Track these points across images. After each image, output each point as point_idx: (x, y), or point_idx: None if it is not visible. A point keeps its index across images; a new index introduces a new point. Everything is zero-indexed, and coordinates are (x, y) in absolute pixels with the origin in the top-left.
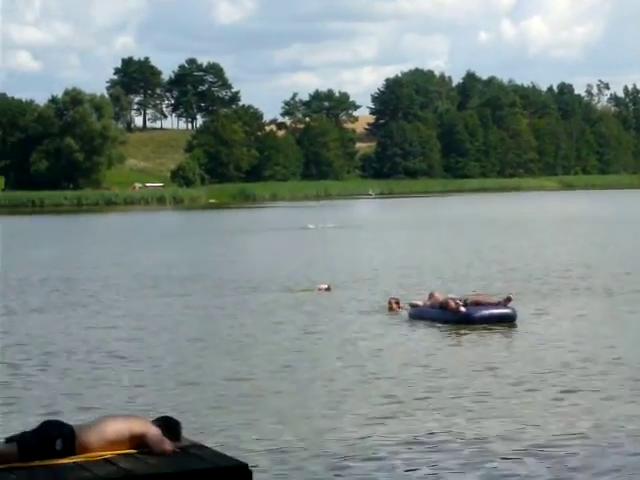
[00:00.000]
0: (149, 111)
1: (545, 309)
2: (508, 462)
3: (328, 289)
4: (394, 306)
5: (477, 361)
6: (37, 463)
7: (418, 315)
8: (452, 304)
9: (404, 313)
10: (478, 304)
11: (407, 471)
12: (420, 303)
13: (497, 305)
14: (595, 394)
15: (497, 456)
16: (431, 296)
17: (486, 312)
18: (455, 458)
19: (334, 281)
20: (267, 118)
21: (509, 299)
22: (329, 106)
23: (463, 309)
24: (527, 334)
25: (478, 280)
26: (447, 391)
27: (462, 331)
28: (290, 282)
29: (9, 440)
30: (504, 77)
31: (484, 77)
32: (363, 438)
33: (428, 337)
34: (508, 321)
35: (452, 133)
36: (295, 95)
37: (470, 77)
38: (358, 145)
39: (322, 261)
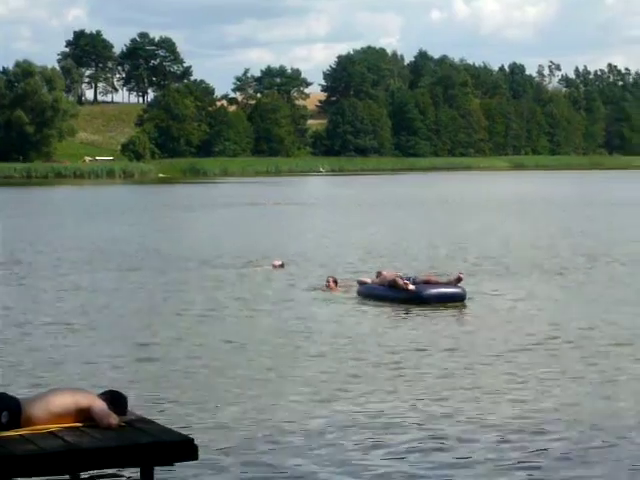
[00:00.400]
0: (100, 84)
1: (494, 289)
2: (456, 443)
3: (282, 266)
4: (332, 285)
5: (424, 340)
6: None
7: (366, 292)
8: (400, 282)
9: (342, 292)
10: (428, 283)
11: (351, 451)
12: (368, 280)
13: (447, 284)
14: (545, 374)
15: (443, 438)
16: (379, 274)
17: (436, 291)
18: (401, 440)
19: (286, 258)
20: (218, 94)
21: (459, 279)
22: (280, 82)
23: (412, 287)
24: (477, 313)
25: (428, 260)
26: (392, 370)
27: (410, 309)
28: (243, 258)
29: None
30: (456, 56)
31: (436, 56)
32: (308, 416)
33: (376, 315)
34: (458, 300)
35: (403, 112)
36: (247, 71)
37: (422, 56)
38: (309, 122)
39: (274, 238)
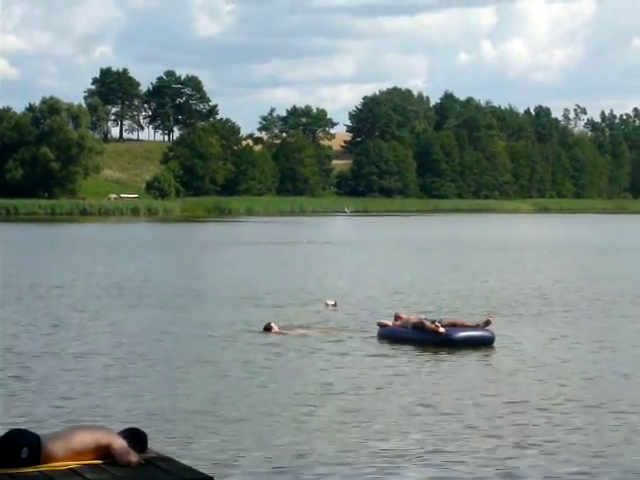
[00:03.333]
0: (126, 122)
1: (522, 333)
2: None
3: (335, 305)
4: (274, 329)
5: (462, 384)
6: (2, 471)
7: (388, 335)
8: (430, 324)
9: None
10: (454, 326)
11: None
12: (389, 323)
13: (475, 327)
14: (574, 419)
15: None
16: (397, 317)
17: (465, 334)
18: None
19: (327, 297)
20: (244, 132)
21: (488, 322)
22: (306, 122)
23: (442, 330)
24: (506, 357)
25: (454, 302)
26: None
27: (442, 353)
28: (291, 297)
29: None
30: (482, 98)
31: (462, 98)
32: (330, 453)
33: (406, 358)
34: (487, 344)
35: (428, 153)
36: (273, 110)
37: (448, 97)
38: (334, 162)
39: (312, 277)
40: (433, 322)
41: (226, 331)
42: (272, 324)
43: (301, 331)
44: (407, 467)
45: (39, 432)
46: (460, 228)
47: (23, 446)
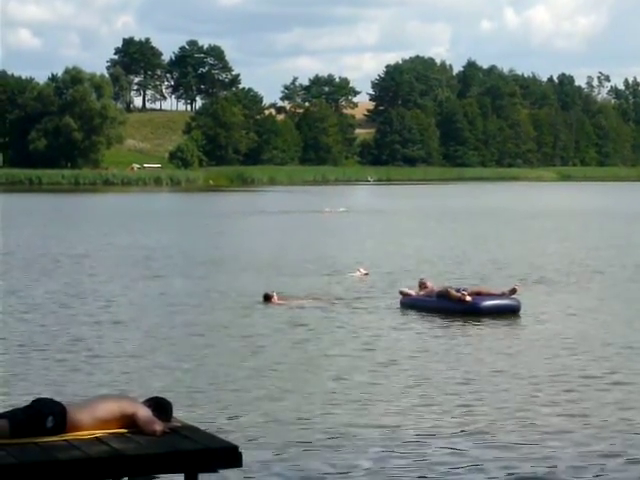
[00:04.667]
0: (149, 92)
1: (547, 302)
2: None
3: (367, 274)
4: (274, 298)
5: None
6: (27, 440)
7: (412, 304)
8: (455, 293)
9: (281, 306)
10: (479, 295)
11: (397, 458)
12: (412, 292)
13: (501, 296)
14: (600, 392)
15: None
16: (422, 285)
17: (492, 303)
18: (439, 452)
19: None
20: (267, 102)
21: (514, 290)
22: (329, 91)
23: (469, 298)
24: (532, 326)
25: (479, 270)
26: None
27: (470, 321)
28: (324, 266)
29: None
30: (505, 66)
31: (485, 66)
32: (350, 426)
33: (431, 328)
34: (513, 312)
35: (451, 122)
36: (295, 79)
37: (471, 66)
38: (357, 131)
39: (339, 246)
40: (458, 290)
41: (249, 300)
42: (272, 293)
43: (302, 301)
44: (436, 442)
45: (63, 401)
46: (484, 196)
47: (48, 415)
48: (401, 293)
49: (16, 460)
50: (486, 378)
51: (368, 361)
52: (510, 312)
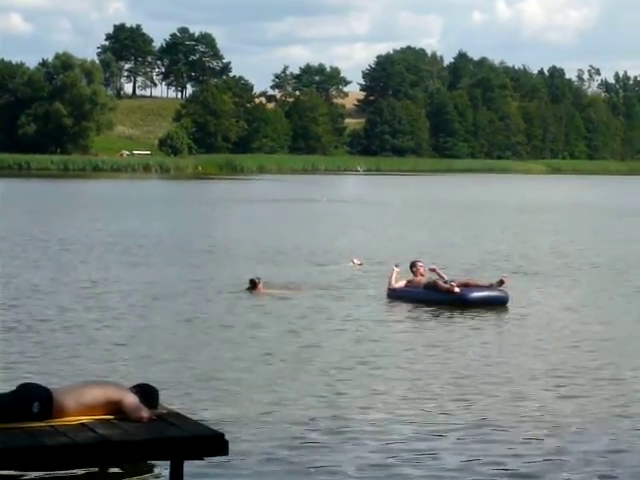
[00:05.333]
0: (139, 79)
1: (535, 294)
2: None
3: (361, 264)
4: (259, 286)
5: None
6: (13, 425)
7: (400, 295)
8: (443, 284)
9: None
10: (467, 286)
11: (376, 452)
12: (399, 284)
13: (489, 287)
14: (587, 380)
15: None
16: (413, 265)
17: (480, 294)
18: (435, 447)
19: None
20: (257, 90)
21: (502, 281)
22: (319, 80)
23: (457, 290)
24: (520, 317)
25: (468, 262)
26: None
27: (456, 313)
28: (315, 255)
29: None
30: (496, 58)
31: (476, 58)
32: (340, 418)
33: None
34: (501, 304)
35: (441, 113)
36: (286, 68)
37: (462, 57)
38: (347, 121)
39: (334, 235)
40: (446, 282)
41: (237, 289)
42: (258, 280)
43: (289, 291)
44: (430, 435)
45: (50, 387)
46: (474, 188)
47: (34, 400)
48: (389, 288)
49: (1, 445)
50: (475, 369)
51: (357, 353)
52: (498, 304)
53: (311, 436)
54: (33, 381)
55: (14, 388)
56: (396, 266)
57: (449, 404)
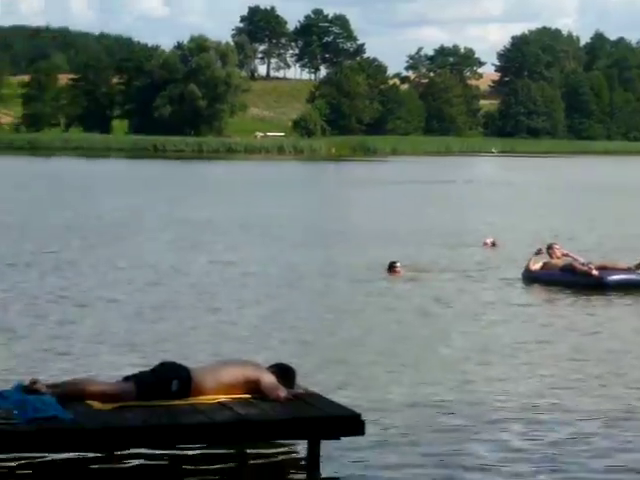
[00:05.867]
0: (273, 60)
1: None
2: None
3: (494, 244)
4: (398, 269)
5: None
6: (153, 403)
7: (536, 277)
8: (581, 267)
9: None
10: (604, 269)
11: (520, 438)
12: (537, 265)
13: (628, 270)
14: None
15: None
16: (550, 247)
17: (619, 277)
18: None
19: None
20: (391, 72)
21: None
22: (454, 62)
23: (595, 272)
24: None
25: (607, 245)
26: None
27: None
28: (450, 236)
29: (127, 379)
30: (633, 38)
31: (613, 38)
32: (477, 404)
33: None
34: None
35: (577, 94)
36: (420, 49)
37: (598, 37)
38: (481, 102)
39: (469, 217)
40: (583, 264)
41: (372, 271)
42: (397, 264)
43: (425, 273)
44: (579, 419)
45: (189, 366)
46: (612, 171)
47: (173, 379)
48: (526, 269)
49: (144, 422)
50: (617, 356)
51: (495, 336)
52: (638, 287)
53: (449, 420)
54: (173, 360)
55: (154, 366)
56: (537, 253)
57: (593, 390)
